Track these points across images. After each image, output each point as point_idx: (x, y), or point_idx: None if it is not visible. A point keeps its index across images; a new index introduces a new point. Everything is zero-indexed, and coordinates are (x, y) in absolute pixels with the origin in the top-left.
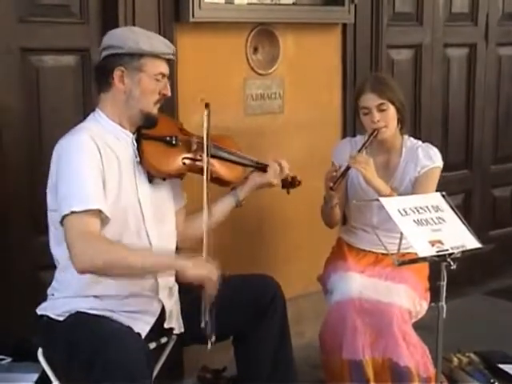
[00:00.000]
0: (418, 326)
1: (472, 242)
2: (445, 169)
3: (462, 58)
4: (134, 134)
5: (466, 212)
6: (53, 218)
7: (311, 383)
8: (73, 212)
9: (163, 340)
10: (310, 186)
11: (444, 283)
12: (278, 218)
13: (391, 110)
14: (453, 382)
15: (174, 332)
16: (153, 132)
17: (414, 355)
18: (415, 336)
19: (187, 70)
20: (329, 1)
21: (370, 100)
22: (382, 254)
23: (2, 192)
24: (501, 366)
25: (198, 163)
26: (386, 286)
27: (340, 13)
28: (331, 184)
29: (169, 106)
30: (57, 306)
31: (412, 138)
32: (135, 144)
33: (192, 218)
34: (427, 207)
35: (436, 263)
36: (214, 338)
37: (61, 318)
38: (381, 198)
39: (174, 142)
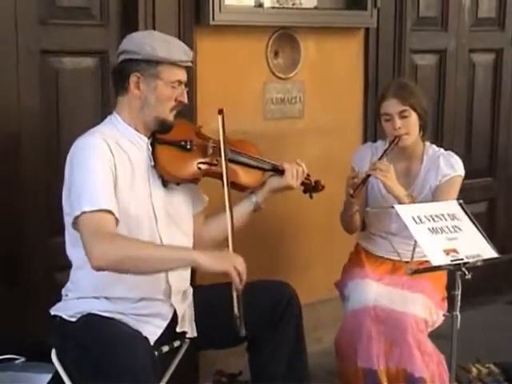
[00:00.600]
0: (437, 335)
1: (488, 252)
2: (468, 176)
3: (488, 64)
4: (149, 138)
5: (489, 220)
6: (67, 221)
7: None
8: (83, 212)
9: (176, 344)
10: (329, 192)
11: (459, 292)
12: (297, 223)
13: (413, 117)
14: None
15: (187, 336)
16: (168, 136)
17: (430, 365)
18: (431, 345)
19: (207, 73)
20: (351, 5)
21: (391, 106)
22: (399, 261)
23: (19, 192)
24: None
25: (213, 168)
26: (402, 295)
27: (362, 17)
28: (351, 191)
29: (188, 110)
30: (69, 306)
31: (434, 146)
32: (150, 148)
33: (209, 221)
34: (443, 215)
35: (454, 272)
36: (243, 332)
37: (73, 319)
38: (396, 206)
39: (188, 147)
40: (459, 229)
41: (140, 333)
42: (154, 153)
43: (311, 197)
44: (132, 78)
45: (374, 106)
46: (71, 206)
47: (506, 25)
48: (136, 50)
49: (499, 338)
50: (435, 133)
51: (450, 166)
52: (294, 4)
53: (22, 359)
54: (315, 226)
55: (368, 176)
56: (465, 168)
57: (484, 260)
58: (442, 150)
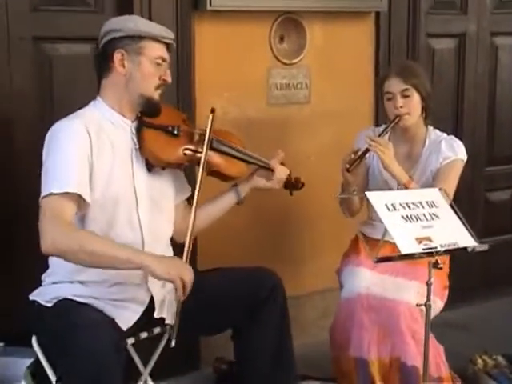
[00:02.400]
0: (451, 324)
1: (466, 240)
2: (491, 163)
3: None
4: (133, 122)
5: None
6: None
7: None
8: (51, 194)
9: (156, 330)
10: (337, 179)
11: (431, 282)
12: (305, 210)
13: (415, 97)
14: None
15: (167, 322)
16: (155, 121)
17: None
18: None
19: (206, 59)
20: None
21: (394, 85)
22: None
23: (12, 178)
24: None
25: (198, 155)
26: (395, 283)
27: (371, 1)
28: (347, 165)
29: (186, 95)
30: (47, 292)
31: (437, 130)
32: (134, 131)
33: (190, 213)
34: (421, 203)
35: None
36: (173, 342)
37: (49, 305)
38: (367, 193)
39: (175, 132)
40: (436, 216)
41: (110, 319)
42: (140, 136)
43: (291, 194)
44: (116, 55)
45: None
46: (42, 187)
47: None
48: (119, 28)
49: None
50: (455, 120)
51: (452, 150)
52: None
53: (1, 344)
54: (323, 213)
55: (366, 151)
56: (487, 155)
57: (460, 249)
58: (444, 134)
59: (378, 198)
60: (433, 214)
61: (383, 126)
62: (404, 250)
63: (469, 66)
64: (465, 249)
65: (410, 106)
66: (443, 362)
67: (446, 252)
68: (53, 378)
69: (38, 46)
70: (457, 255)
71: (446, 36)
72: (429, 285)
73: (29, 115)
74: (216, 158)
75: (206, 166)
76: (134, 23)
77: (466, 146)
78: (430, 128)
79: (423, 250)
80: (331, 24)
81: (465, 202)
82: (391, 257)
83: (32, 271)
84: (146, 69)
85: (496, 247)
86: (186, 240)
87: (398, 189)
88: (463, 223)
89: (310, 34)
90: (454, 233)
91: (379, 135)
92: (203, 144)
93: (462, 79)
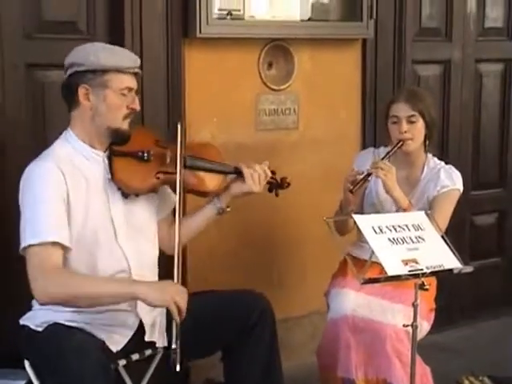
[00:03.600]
0: (439, 346)
1: (452, 262)
2: (477, 187)
3: (496, 74)
4: (105, 152)
5: (500, 232)
6: None
7: None
8: (30, 245)
9: (147, 352)
10: (325, 202)
11: (417, 303)
12: (292, 234)
13: (420, 124)
14: None
15: (157, 345)
16: (124, 148)
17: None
18: None
19: (195, 85)
20: (346, 16)
21: (401, 110)
22: None
23: (2, 203)
24: None
25: (173, 176)
26: (381, 305)
27: (358, 28)
28: (351, 186)
29: (176, 121)
30: (37, 316)
31: (436, 159)
32: (106, 161)
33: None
34: (407, 226)
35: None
36: (178, 367)
37: (39, 329)
38: (354, 215)
39: (145, 158)
40: (422, 239)
41: (100, 341)
42: (111, 165)
43: (277, 195)
44: (80, 90)
45: (372, 116)
46: (21, 237)
47: None
48: (81, 62)
49: (508, 351)
50: (440, 144)
51: (450, 179)
52: (287, 16)
53: None
54: (311, 236)
55: (369, 174)
56: (472, 180)
57: (445, 270)
58: (442, 163)
59: (365, 221)
60: (419, 236)
61: (385, 150)
62: (390, 272)
63: (454, 92)
64: (450, 270)
65: (414, 132)
66: (429, 383)
67: (432, 274)
68: None
69: (31, 72)
70: (444, 278)
71: (431, 62)
72: (415, 306)
73: (21, 141)
74: (191, 177)
75: (182, 187)
76: (96, 56)
77: None
78: (430, 155)
79: (409, 271)
80: (319, 51)
81: (451, 226)
82: (378, 278)
83: (22, 295)
84: (111, 101)
85: (483, 270)
86: (174, 261)
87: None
88: (448, 246)
89: (298, 61)
90: (439, 255)
91: (382, 158)
92: (176, 164)
93: (447, 105)
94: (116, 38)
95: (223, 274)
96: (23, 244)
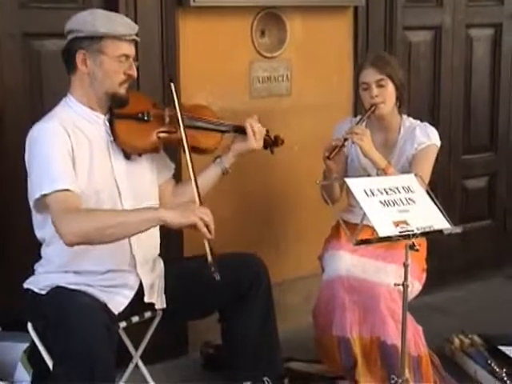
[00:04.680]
0: (431, 307)
1: (441, 223)
2: (468, 151)
3: (487, 39)
4: (105, 115)
5: (490, 195)
6: (31, 206)
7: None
8: (44, 195)
9: (147, 314)
10: (318, 168)
11: (408, 263)
12: (288, 199)
13: (390, 87)
14: (452, 362)
15: (156, 307)
16: (124, 110)
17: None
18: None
19: (190, 54)
20: None
21: (369, 75)
22: None
23: (2, 171)
24: (501, 347)
25: (172, 135)
26: (375, 266)
27: None
28: (327, 153)
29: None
30: (40, 280)
31: (411, 118)
32: (107, 124)
33: (179, 187)
34: (397, 188)
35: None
36: (218, 276)
37: (43, 292)
38: (346, 179)
39: (146, 118)
40: (413, 201)
41: (102, 303)
42: (112, 128)
43: (272, 152)
44: (78, 55)
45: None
46: (32, 190)
47: None
48: (79, 28)
49: (497, 311)
50: (431, 110)
51: (426, 135)
52: None
53: None
54: (305, 201)
55: (345, 140)
56: (463, 144)
57: (434, 231)
58: (418, 121)
59: (356, 184)
60: (409, 198)
61: (359, 116)
62: (382, 233)
63: (445, 58)
64: (440, 231)
65: (385, 96)
66: (422, 342)
67: (422, 234)
68: (49, 362)
69: (27, 41)
70: (435, 240)
71: (422, 28)
72: (406, 266)
73: (19, 110)
74: (190, 134)
75: (182, 144)
76: (94, 23)
77: (442, 136)
78: (405, 116)
79: (400, 232)
80: (311, 18)
81: (442, 190)
82: (370, 239)
83: (26, 259)
84: (108, 67)
85: (473, 233)
86: (192, 186)
87: (377, 174)
88: (438, 207)
89: (290, 29)
90: (429, 216)
91: (356, 124)
92: (175, 123)
93: (439, 71)
94: (110, 7)
95: (219, 239)
96: (37, 195)
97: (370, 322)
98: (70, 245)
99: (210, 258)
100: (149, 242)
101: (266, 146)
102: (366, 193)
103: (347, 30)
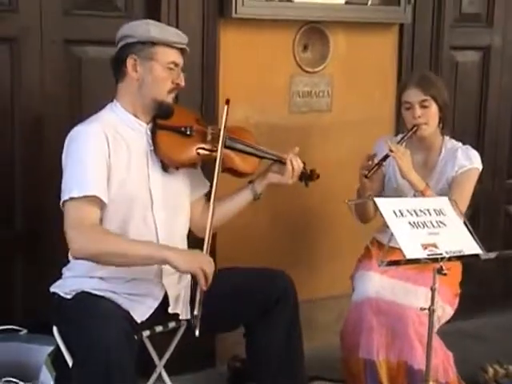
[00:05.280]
0: (467, 333)
1: (472, 248)
2: None
3: None
4: (148, 124)
5: None
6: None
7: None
8: (72, 198)
9: (171, 325)
10: (357, 186)
11: (435, 287)
12: (324, 216)
13: (433, 108)
14: None
15: (181, 318)
16: (168, 122)
17: (432, 360)
18: (436, 340)
19: (230, 65)
20: (384, 0)
21: (413, 95)
22: None
23: (41, 176)
24: None
25: (212, 154)
26: (404, 288)
27: (395, 13)
28: (365, 172)
29: (210, 101)
30: (66, 284)
31: (453, 140)
32: (149, 133)
33: (208, 208)
34: (428, 210)
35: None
36: (197, 332)
37: (68, 296)
38: (376, 199)
39: (188, 133)
40: (443, 224)
41: (125, 311)
42: (154, 138)
43: (307, 185)
44: (129, 60)
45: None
46: (62, 191)
47: None
48: (131, 34)
49: None
50: (477, 132)
51: (468, 158)
52: None
53: (25, 331)
54: (341, 219)
55: (385, 158)
56: (509, 168)
57: (465, 256)
58: (460, 143)
59: (386, 204)
60: (440, 221)
61: (401, 135)
62: (409, 255)
63: (493, 78)
64: (471, 256)
65: (428, 117)
66: (451, 368)
67: (453, 258)
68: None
69: (68, 48)
70: (474, 265)
71: (470, 48)
72: (433, 290)
73: (59, 115)
74: (230, 156)
75: (221, 164)
76: (147, 29)
77: (487, 159)
78: (446, 137)
79: (428, 255)
80: (355, 34)
81: (485, 214)
82: (396, 261)
83: (54, 264)
84: (157, 74)
85: None
86: (205, 233)
87: (414, 196)
88: (470, 231)
89: (333, 44)
90: (460, 240)
91: (397, 143)
92: (217, 142)
93: (486, 92)
94: (152, 17)
95: (252, 256)
96: (66, 197)
97: (397, 345)
98: (74, 257)
99: (196, 310)
100: None
101: (300, 179)
102: (395, 213)
103: (392, 47)
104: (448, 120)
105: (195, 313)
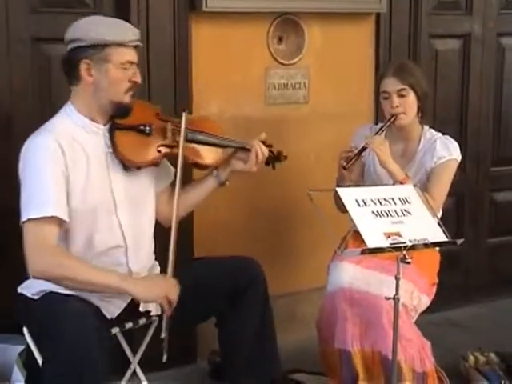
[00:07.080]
0: (452, 323)
1: (437, 236)
2: (497, 163)
3: None
4: (105, 125)
5: None
6: None
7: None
8: (30, 219)
9: (141, 321)
10: (335, 177)
11: (400, 276)
12: (304, 208)
13: (411, 97)
14: (465, 380)
15: (152, 314)
16: (126, 121)
17: (408, 349)
18: (412, 330)
19: (203, 60)
20: None
21: (390, 84)
22: None
23: (10, 175)
24: None
25: (173, 150)
26: (378, 278)
27: (370, 2)
28: (344, 163)
29: (184, 96)
30: (34, 285)
31: (432, 130)
32: (107, 135)
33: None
34: (393, 199)
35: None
36: (165, 357)
37: (36, 297)
38: (337, 188)
39: (147, 131)
40: (408, 213)
41: (95, 307)
42: (112, 139)
43: (274, 167)
44: (82, 65)
45: None
46: (21, 210)
47: None
48: (81, 37)
49: None
50: (459, 121)
51: (446, 149)
52: None
53: None
54: (322, 210)
55: (363, 149)
56: (493, 156)
57: (430, 244)
58: (439, 134)
59: (348, 193)
60: (405, 210)
61: (380, 125)
62: (370, 244)
63: (474, 67)
64: (437, 244)
65: (406, 106)
66: (428, 358)
67: (415, 247)
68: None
69: (36, 46)
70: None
71: (449, 37)
72: (397, 279)
73: (28, 114)
74: (191, 150)
75: (183, 164)
76: (97, 32)
77: (471, 147)
78: (426, 127)
79: (391, 244)
80: (330, 25)
81: (470, 203)
82: (357, 250)
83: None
84: (113, 75)
85: (502, 248)
86: (169, 253)
87: (393, 185)
88: (435, 219)
89: (308, 35)
90: (425, 229)
91: (376, 133)
92: (178, 136)
93: (467, 80)
94: (122, 12)
95: (232, 250)
96: (24, 218)
97: (371, 335)
98: (33, 278)
99: (163, 334)
100: (142, 254)
101: (267, 163)
102: (358, 203)
103: (369, 37)
104: (429, 109)
105: (162, 335)
